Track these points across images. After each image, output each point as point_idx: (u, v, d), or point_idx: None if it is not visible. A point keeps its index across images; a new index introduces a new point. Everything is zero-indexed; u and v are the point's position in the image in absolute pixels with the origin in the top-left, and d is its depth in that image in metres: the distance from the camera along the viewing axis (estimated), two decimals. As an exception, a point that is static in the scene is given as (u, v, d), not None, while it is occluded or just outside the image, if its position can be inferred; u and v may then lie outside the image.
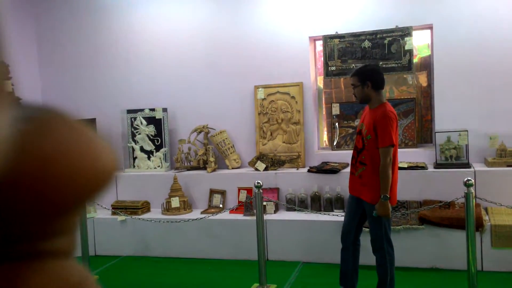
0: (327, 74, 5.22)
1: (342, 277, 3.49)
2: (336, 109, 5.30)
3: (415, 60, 5.11)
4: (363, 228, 3.53)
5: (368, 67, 3.44)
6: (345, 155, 5.12)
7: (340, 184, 4.74)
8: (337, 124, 5.30)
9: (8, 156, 0.30)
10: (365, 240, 3.57)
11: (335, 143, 5.30)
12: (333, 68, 5.19)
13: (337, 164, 4.97)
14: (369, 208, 3.24)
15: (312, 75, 5.29)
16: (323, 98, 5.50)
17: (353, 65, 5.09)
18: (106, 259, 5.00)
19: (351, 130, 5.25)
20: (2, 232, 0.33)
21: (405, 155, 4.91)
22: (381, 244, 3.27)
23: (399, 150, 4.94)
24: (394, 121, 3.18)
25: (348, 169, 4.83)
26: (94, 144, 0.35)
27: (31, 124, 0.33)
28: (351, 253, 3.44)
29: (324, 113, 5.51)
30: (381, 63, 5.00)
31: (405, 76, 5.27)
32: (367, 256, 3.63)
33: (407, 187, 4.55)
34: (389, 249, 3.30)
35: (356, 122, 5.23)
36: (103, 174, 0.35)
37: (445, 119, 4.82)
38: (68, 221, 0.36)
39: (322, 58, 5.24)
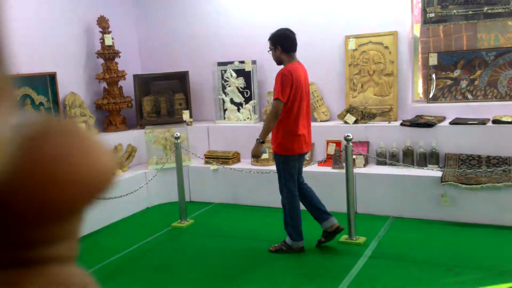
0: (425, 21, 4.90)
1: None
2: (433, 59, 4.99)
3: (527, 3, 4.62)
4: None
5: (278, 32, 3.69)
6: (442, 108, 4.87)
7: (436, 139, 4.54)
8: (434, 75, 5.01)
9: (8, 161, 0.31)
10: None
11: (431, 96, 5.03)
12: (432, 15, 4.85)
13: (433, 118, 4.74)
14: (275, 157, 3.77)
15: (408, 23, 4.99)
16: (420, 48, 5.20)
17: (454, 11, 4.72)
18: (200, 205, 5.28)
19: (449, 82, 4.94)
20: (3, 238, 0.33)
21: (510, 108, 4.55)
22: (281, 190, 3.81)
23: (503, 103, 4.62)
24: (288, 79, 3.51)
25: (443, 123, 4.62)
26: (93, 149, 0.35)
27: (31, 129, 0.33)
28: (299, 198, 3.87)
29: (420, 63, 5.22)
30: (486, 8, 4.59)
31: (511, 23, 4.80)
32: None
33: (510, 143, 4.26)
34: (289, 195, 3.74)
35: (456, 73, 4.90)
36: (101, 179, 0.35)
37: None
38: (68, 226, 0.36)
39: (420, 5, 4.92)
